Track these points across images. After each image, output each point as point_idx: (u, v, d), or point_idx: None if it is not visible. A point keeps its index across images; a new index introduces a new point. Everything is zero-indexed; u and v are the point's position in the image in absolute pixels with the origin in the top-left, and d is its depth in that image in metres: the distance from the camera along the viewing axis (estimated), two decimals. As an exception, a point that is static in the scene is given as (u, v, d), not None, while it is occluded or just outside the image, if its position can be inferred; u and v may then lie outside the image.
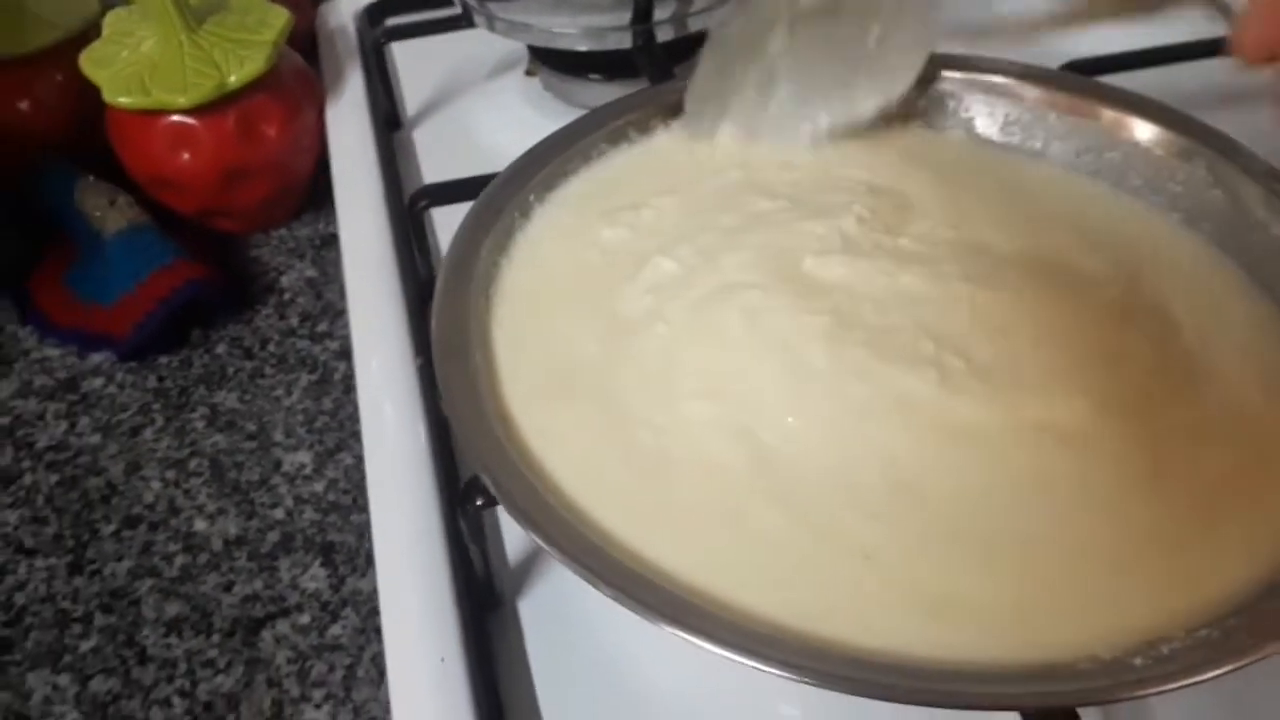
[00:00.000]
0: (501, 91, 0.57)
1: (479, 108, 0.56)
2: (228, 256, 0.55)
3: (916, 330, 0.29)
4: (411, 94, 0.58)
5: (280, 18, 0.53)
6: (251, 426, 0.47)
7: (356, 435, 0.44)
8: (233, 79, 0.51)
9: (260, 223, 0.56)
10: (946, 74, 0.38)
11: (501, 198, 0.34)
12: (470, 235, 0.33)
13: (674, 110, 0.39)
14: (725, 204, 0.34)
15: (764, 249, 0.32)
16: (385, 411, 0.41)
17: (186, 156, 0.51)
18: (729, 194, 0.34)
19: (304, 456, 0.45)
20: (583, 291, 0.32)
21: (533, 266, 0.33)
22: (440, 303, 0.30)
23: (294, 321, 0.52)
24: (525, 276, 0.33)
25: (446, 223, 0.46)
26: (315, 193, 0.57)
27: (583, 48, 0.50)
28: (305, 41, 0.62)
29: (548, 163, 0.35)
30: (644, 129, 0.38)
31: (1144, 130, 0.35)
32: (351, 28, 0.62)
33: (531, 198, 0.35)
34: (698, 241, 0.33)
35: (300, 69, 0.56)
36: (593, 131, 0.37)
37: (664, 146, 0.38)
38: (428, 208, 0.43)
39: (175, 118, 0.51)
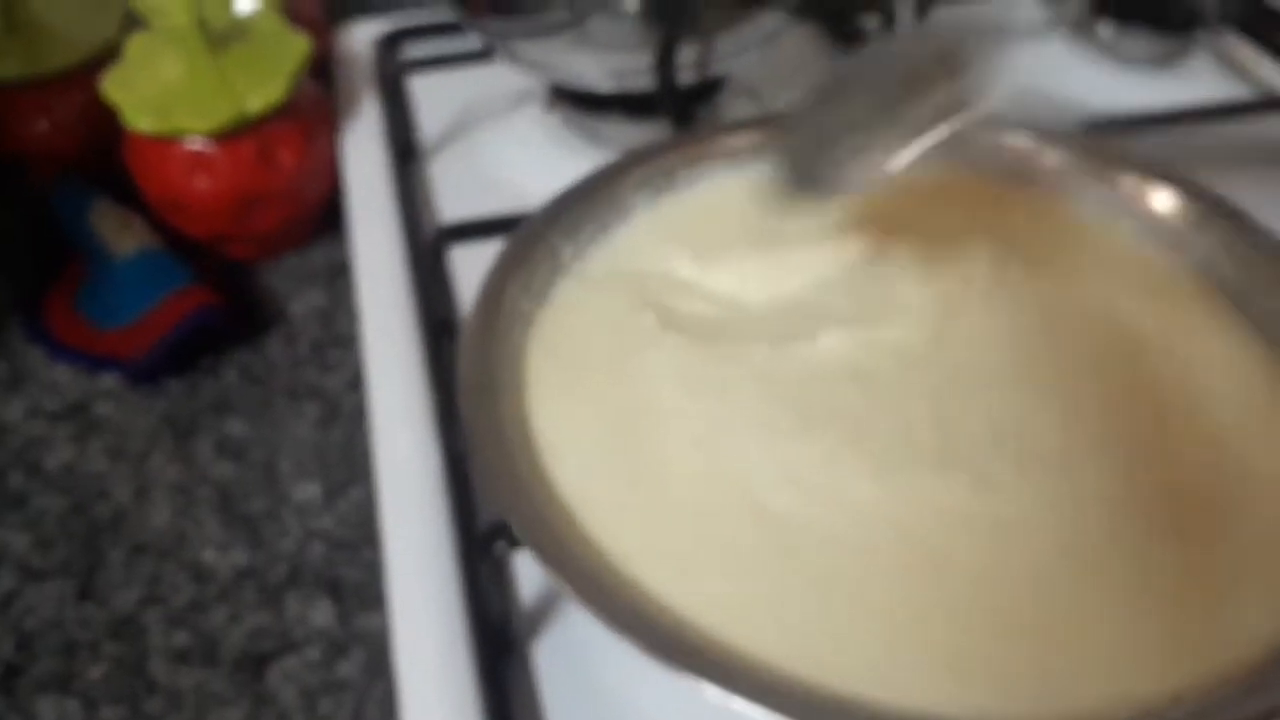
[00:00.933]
0: (521, 126, 0.59)
1: (497, 141, 0.58)
2: (238, 282, 0.57)
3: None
4: (428, 124, 0.59)
5: (301, 47, 0.54)
6: (260, 456, 0.48)
7: (366, 470, 0.45)
8: (253, 106, 0.52)
9: (272, 249, 0.58)
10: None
11: (535, 241, 0.35)
12: (502, 275, 0.34)
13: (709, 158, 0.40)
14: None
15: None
16: (400, 449, 0.43)
17: (204, 182, 0.53)
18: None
19: (313, 490, 0.47)
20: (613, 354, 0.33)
21: (569, 317, 0.34)
22: (470, 341, 0.32)
23: (303, 351, 0.53)
24: (561, 326, 0.34)
25: (463, 260, 0.48)
26: (327, 220, 0.58)
27: (604, 89, 0.52)
28: (319, 64, 0.64)
29: (579, 208, 0.37)
30: (681, 177, 0.39)
31: (1162, 200, 0.37)
32: (368, 53, 0.64)
33: (569, 249, 0.36)
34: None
35: (316, 95, 0.57)
36: (626, 177, 0.38)
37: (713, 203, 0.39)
38: (451, 244, 0.44)
39: (194, 143, 0.52)
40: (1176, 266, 0.35)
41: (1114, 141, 0.41)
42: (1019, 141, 0.39)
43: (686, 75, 0.51)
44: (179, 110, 0.51)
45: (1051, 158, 0.38)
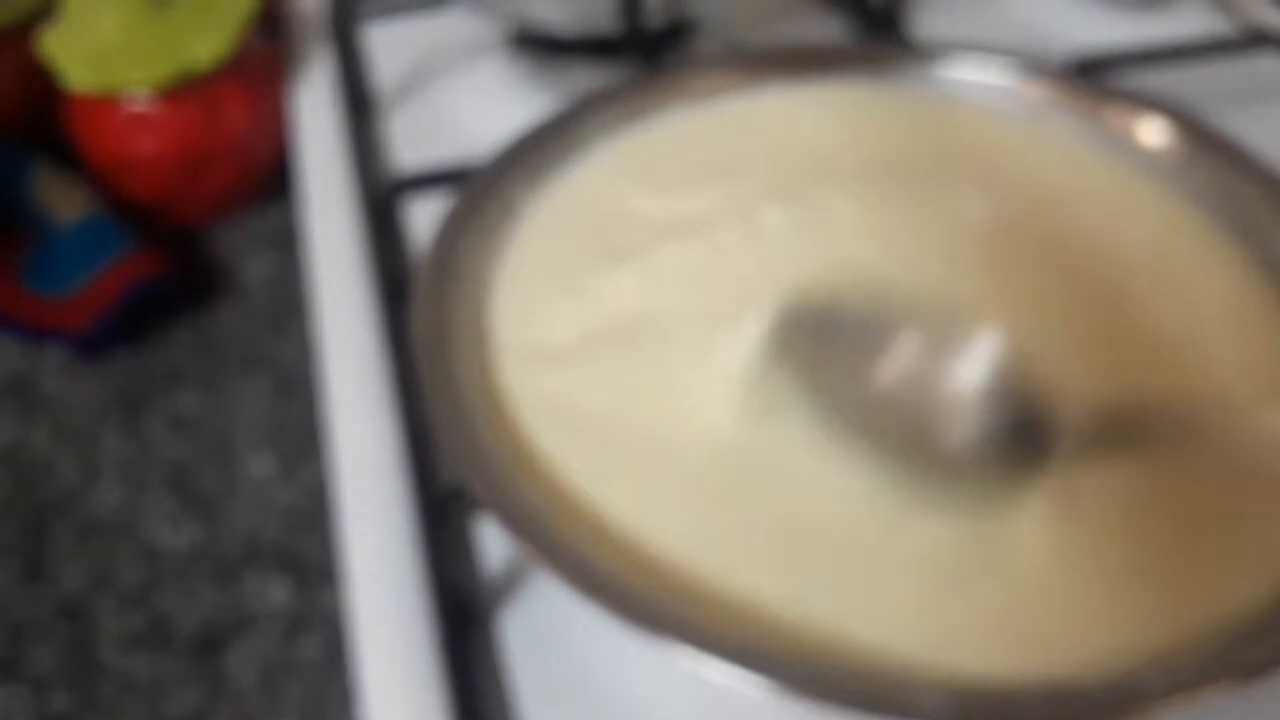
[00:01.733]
0: (481, 75, 0.57)
1: (456, 92, 0.56)
2: (188, 248, 0.55)
3: None
4: (384, 75, 0.57)
5: (245, -2, 0.53)
6: (213, 431, 0.47)
7: (323, 441, 0.44)
8: (199, 60, 0.50)
9: (223, 211, 0.56)
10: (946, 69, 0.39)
11: (487, 189, 0.34)
12: (456, 226, 0.33)
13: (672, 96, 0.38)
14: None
15: None
16: (356, 418, 0.41)
17: (148, 142, 0.51)
18: None
19: (269, 463, 0.45)
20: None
21: (524, 265, 0.33)
22: (423, 300, 0.30)
23: (258, 318, 0.52)
24: (517, 276, 0.33)
25: (420, 216, 0.47)
26: (281, 180, 0.57)
27: (567, 32, 0.51)
28: (270, 15, 0.62)
29: (535, 153, 0.35)
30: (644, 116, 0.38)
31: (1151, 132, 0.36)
32: (321, 5, 0.62)
33: (524, 194, 0.35)
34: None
35: (265, 48, 0.56)
36: (586, 119, 0.37)
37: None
38: (403, 196, 0.42)
39: (136, 102, 0.51)
40: (1168, 197, 0.34)
41: (1101, 79, 0.39)
42: (1004, 77, 0.38)
43: (655, 16, 0.50)
44: (120, 65, 0.50)
45: (1038, 92, 0.37)
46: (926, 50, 0.39)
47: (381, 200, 0.43)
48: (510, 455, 0.28)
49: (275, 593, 0.41)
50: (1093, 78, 0.48)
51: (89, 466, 0.45)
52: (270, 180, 0.57)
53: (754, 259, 0.32)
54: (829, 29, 0.61)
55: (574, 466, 0.27)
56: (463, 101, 0.56)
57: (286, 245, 0.55)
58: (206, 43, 0.51)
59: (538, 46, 0.54)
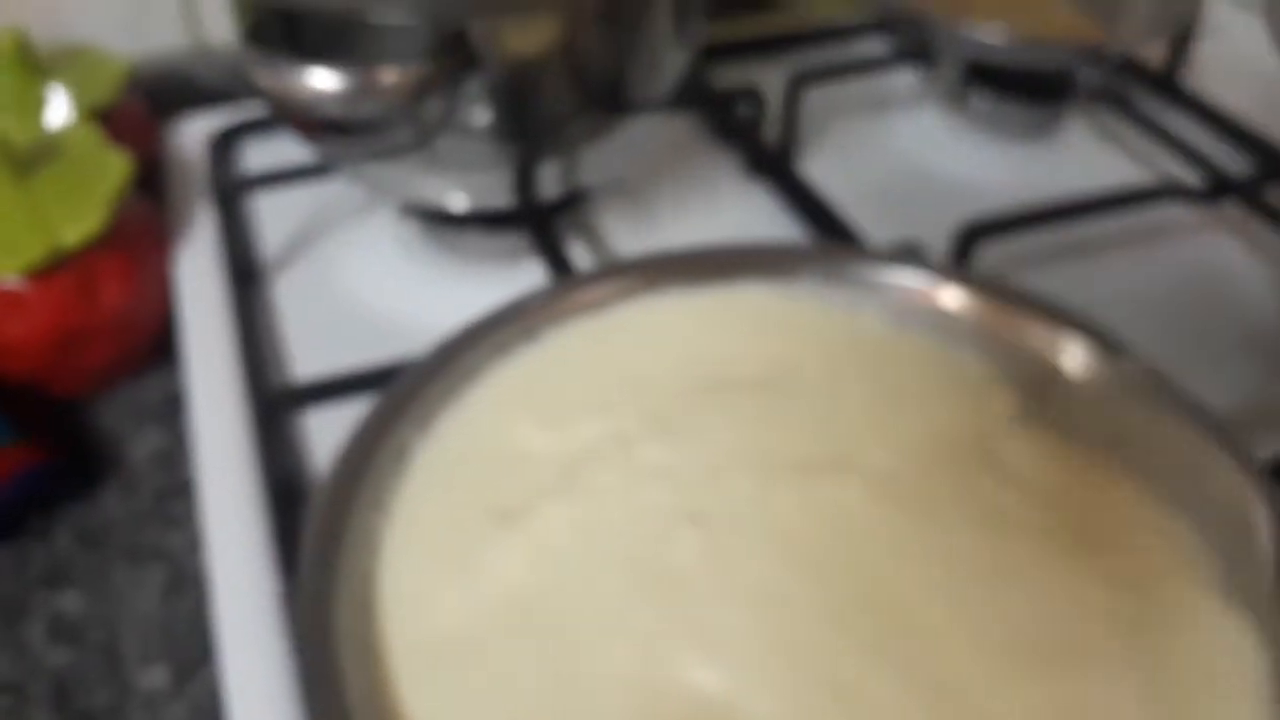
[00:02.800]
0: (372, 237, 0.56)
1: (347, 255, 0.55)
2: (67, 424, 0.52)
3: None
4: (272, 238, 0.56)
5: (119, 168, 0.51)
6: (99, 638, 0.44)
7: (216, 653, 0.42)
8: (67, 239, 0.48)
9: (103, 384, 0.54)
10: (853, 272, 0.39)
11: (376, 432, 0.33)
12: (344, 479, 0.32)
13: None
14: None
15: None
16: (247, 629, 0.40)
17: (18, 323, 0.49)
18: None
19: (160, 675, 0.43)
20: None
21: (413, 522, 0.32)
22: (308, 575, 0.29)
23: (145, 503, 0.49)
24: (406, 534, 0.32)
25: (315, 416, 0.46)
26: (165, 346, 0.54)
27: (459, 208, 0.50)
28: (149, 169, 0.60)
29: (428, 385, 0.34)
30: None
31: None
32: (201, 153, 0.60)
33: (409, 433, 0.34)
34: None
35: (143, 213, 0.53)
36: (478, 344, 0.36)
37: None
38: (295, 407, 0.41)
39: (4, 281, 0.48)
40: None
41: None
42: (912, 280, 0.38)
43: (550, 189, 0.49)
44: (-17, 250, 0.47)
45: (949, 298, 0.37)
46: (831, 252, 0.39)
47: (270, 406, 0.41)
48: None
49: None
50: (986, 240, 0.49)
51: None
52: (155, 348, 0.54)
53: (633, 512, 0.31)
54: (721, 170, 0.62)
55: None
56: (355, 265, 0.54)
57: (173, 417, 0.53)
58: (76, 219, 0.48)
59: (429, 215, 0.53)
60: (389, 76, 0.38)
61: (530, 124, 0.45)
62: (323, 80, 0.37)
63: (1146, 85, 0.67)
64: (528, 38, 0.42)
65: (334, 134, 0.47)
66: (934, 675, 0.27)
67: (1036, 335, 0.36)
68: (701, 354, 0.37)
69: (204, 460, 0.45)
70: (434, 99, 0.40)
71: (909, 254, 0.43)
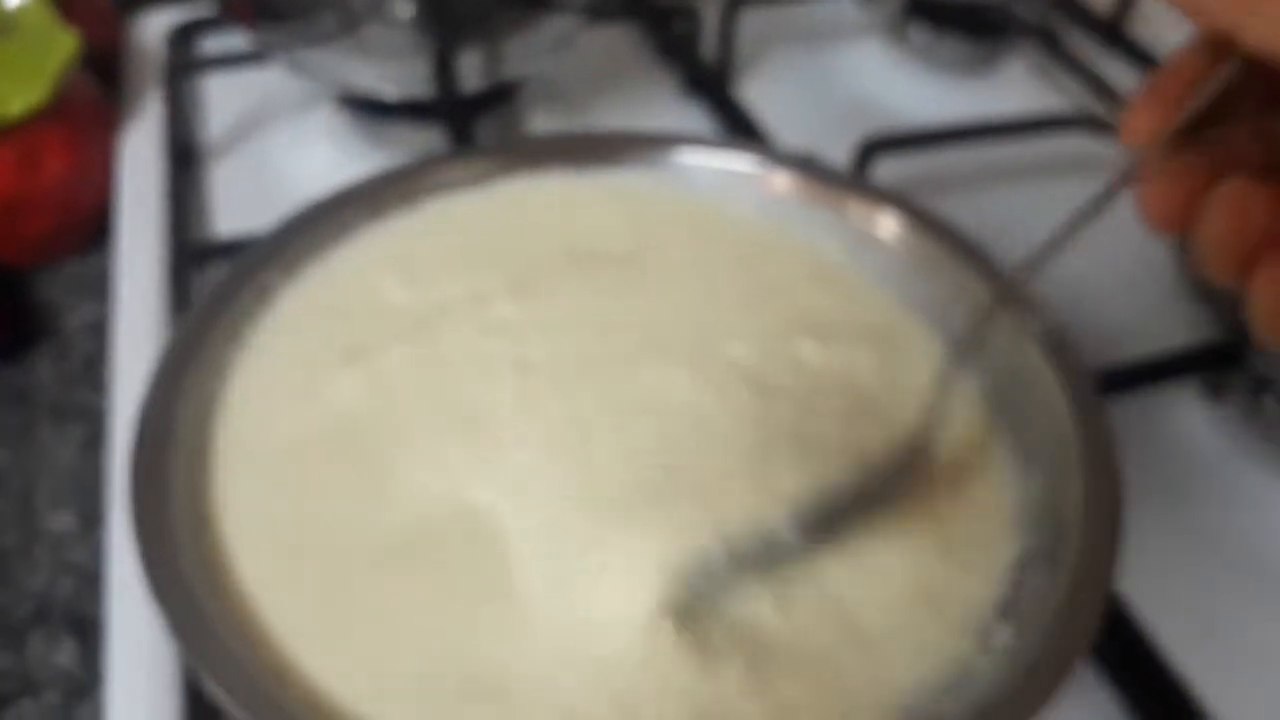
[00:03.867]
0: (309, 128, 0.57)
1: (282, 145, 0.56)
2: (8, 291, 0.54)
3: None
4: (216, 124, 0.57)
5: (66, 46, 0.52)
6: (17, 485, 0.46)
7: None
8: (11, 109, 0.49)
9: (46, 256, 0.55)
10: (688, 154, 0.39)
11: (244, 275, 0.34)
12: (206, 311, 0.33)
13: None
14: None
15: None
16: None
17: (-42, 189, 0.50)
18: None
19: (68, 520, 0.45)
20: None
21: (263, 359, 0.33)
22: (155, 390, 0.30)
23: (75, 367, 0.51)
24: (253, 374, 0.33)
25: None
26: (109, 223, 0.55)
27: (386, 96, 0.51)
28: (109, 59, 0.61)
29: (301, 237, 0.35)
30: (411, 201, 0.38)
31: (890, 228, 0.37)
32: (160, 47, 0.61)
33: (275, 278, 0.35)
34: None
35: (92, 95, 0.54)
36: (357, 203, 0.37)
37: None
38: (209, 263, 0.42)
39: (-53, 148, 0.49)
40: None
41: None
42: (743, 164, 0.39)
43: (472, 82, 0.50)
44: (-74, 113, 0.48)
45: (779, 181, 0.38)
46: (699, 141, 0.40)
47: (186, 265, 0.42)
48: (205, 570, 0.27)
49: (60, 656, 0.40)
50: (885, 154, 0.50)
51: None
52: (98, 223, 0.55)
53: (467, 357, 0.33)
54: (658, 86, 0.62)
55: (256, 576, 0.27)
56: (288, 154, 0.55)
57: (110, 289, 0.54)
58: (21, 91, 0.49)
59: (362, 106, 0.54)
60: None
61: (451, 13, 0.45)
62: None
63: (1090, 29, 0.67)
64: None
65: (267, 20, 0.48)
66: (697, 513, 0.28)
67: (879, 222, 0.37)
68: (573, 229, 0.37)
69: (121, 320, 0.46)
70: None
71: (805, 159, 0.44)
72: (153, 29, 0.62)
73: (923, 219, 0.36)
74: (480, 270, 0.35)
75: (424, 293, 0.35)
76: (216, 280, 0.33)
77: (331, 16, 0.46)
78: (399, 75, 0.49)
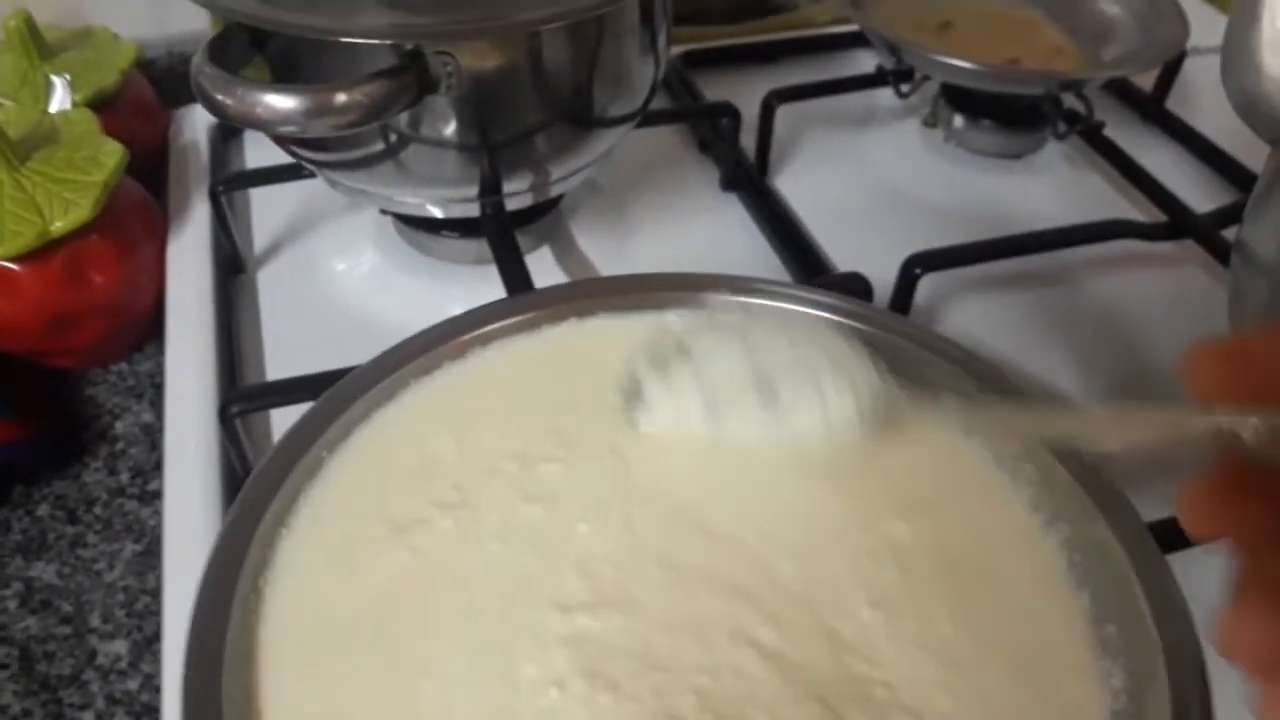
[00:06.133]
0: (353, 234, 0.55)
1: (329, 251, 0.54)
2: (59, 395, 0.52)
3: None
4: (261, 229, 0.55)
5: (112, 156, 0.50)
6: (68, 608, 0.44)
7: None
8: (56, 226, 0.47)
9: (97, 359, 0.53)
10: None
11: (298, 454, 0.32)
12: (251, 509, 0.31)
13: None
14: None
15: None
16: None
17: (8, 303, 0.48)
18: None
19: (120, 647, 0.43)
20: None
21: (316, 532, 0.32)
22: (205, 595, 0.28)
23: (124, 478, 0.49)
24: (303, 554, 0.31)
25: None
26: (161, 323, 0.54)
27: (429, 215, 0.48)
28: (152, 154, 0.59)
29: (351, 407, 0.34)
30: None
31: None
32: (204, 143, 0.59)
33: (324, 453, 0.33)
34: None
35: (139, 202, 0.53)
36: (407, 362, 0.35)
37: None
38: (240, 414, 0.40)
39: (-3, 264, 0.47)
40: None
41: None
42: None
43: (516, 201, 0.48)
44: (-25, 234, 0.46)
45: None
46: (753, 286, 0.37)
47: (220, 415, 0.40)
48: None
49: (111, 801, 0.38)
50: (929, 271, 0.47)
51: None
52: (149, 324, 0.54)
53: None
54: (696, 179, 0.60)
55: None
56: (334, 261, 0.53)
57: (161, 394, 0.52)
58: (67, 207, 0.47)
59: (406, 219, 0.52)
60: (342, 96, 0.36)
61: (494, 141, 0.43)
62: (276, 101, 0.36)
63: (1132, 110, 0.64)
64: (485, 59, 0.40)
65: (303, 145, 0.45)
66: None
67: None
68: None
69: (171, 448, 0.44)
70: (393, 116, 0.39)
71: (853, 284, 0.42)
72: (197, 123, 0.60)
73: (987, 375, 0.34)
74: (529, 425, 0.34)
75: (472, 450, 0.33)
76: (266, 458, 0.31)
77: (366, 145, 0.44)
78: (444, 197, 0.47)
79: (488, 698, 0.28)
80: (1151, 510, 0.31)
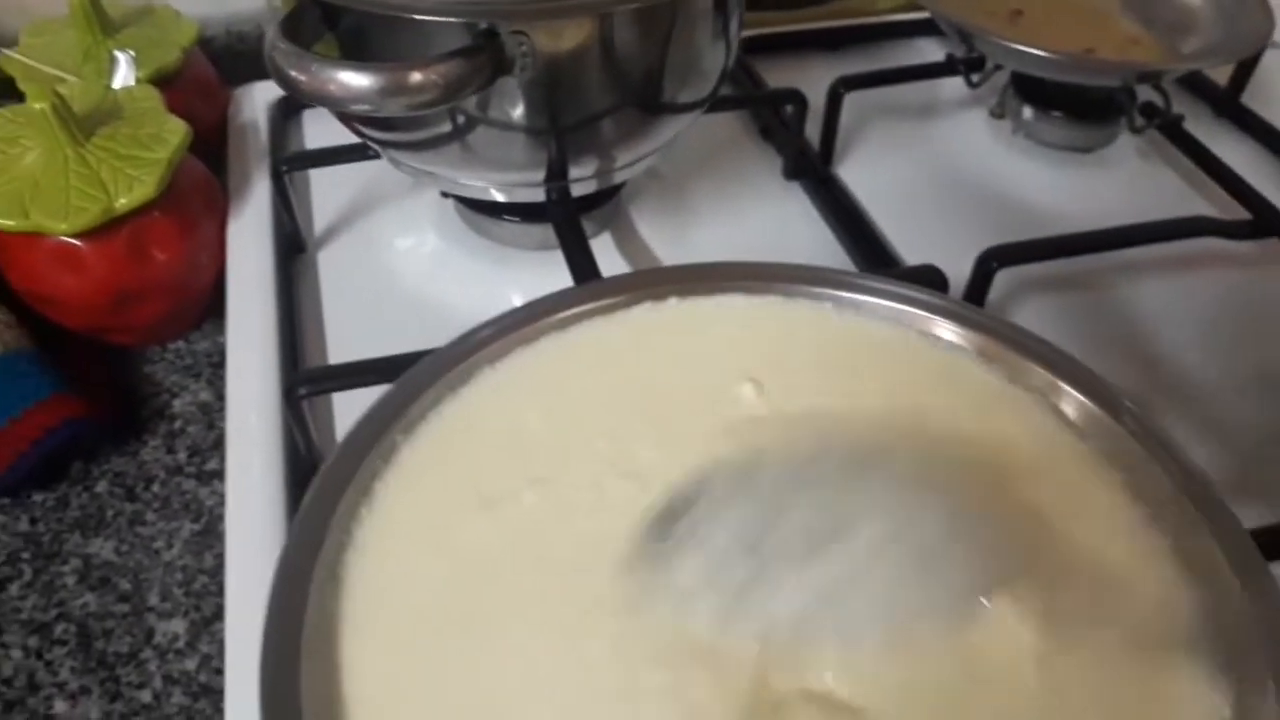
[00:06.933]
0: (415, 216, 0.54)
1: (390, 234, 0.53)
2: (119, 372, 0.52)
3: None
4: (321, 209, 0.54)
5: (176, 133, 0.49)
6: (126, 585, 0.44)
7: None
8: (121, 203, 0.47)
9: (156, 337, 0.53)
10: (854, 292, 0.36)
11: (371, 441, 0.31)
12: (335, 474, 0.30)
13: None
14: None
15: None
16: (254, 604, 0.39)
17: (72, 279, 0.48)
18: None
19: (178, 626, 0.42)
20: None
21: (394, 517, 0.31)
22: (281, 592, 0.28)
23: (182, 456, 0.48)
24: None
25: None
26: (219, 302, 0.53)
27: (493, 199, 0.47)
28: (212, 132, 0.58)
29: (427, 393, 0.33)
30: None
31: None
32: (264, 121, 0.58)
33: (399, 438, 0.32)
34: None
35: (200, 180, 0.52)
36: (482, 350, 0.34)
37: None
38: (307, 396, 0.39)
39: (59, 239, 0.47)
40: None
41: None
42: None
43: (583, 186, 0.47)
44: (39, 208, 0.46)
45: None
46: (839, 276, 0.36)
47: (285, 397, 0.40)
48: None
49: (171, 779, 0.38)
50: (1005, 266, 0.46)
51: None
52: (208, 302, 0.53)
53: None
54: (759, 168, 0.58)
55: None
56: (394, 242, 0.53)
57: (219, 373, 0.51)
58: (131, 185, 0.47)
59: (469, 202, 0.51)
60: (417, 75, 0.35)
61: (563, 125, 0.42)
62: (351, 79, 0.35)
63: (1207, 105, 0.62)
64: (559, 40, 0.39)
65: (370, 124, 0.44)
66: None
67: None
68: (703, 360, 0.34)
69: (233, 431, 0.43)
70: (467, 98, 0.38)
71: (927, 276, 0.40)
72: (257, 102, 0.60)
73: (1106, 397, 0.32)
74: (617, 406, 0.33)
75: (562, 425, 0.32)
76: (343, 441, 0.30)
77: (435, 126, 0.43)
78: (509, 181, 0.46)
79: (568, 681, 0.27)
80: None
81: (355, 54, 0.40)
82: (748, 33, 0.64)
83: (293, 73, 0.35)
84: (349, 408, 0.44)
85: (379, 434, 0.31)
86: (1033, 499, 0.31)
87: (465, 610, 0.28)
